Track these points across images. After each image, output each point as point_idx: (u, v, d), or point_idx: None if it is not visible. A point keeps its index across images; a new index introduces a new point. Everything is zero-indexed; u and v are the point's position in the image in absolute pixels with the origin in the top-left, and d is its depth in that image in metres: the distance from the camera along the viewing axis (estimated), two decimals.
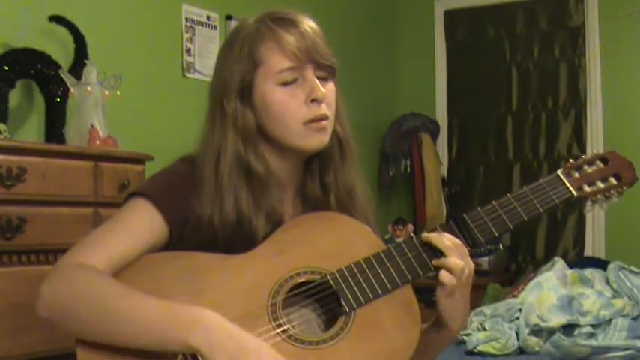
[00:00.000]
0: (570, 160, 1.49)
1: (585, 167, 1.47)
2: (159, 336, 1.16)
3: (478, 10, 5.04)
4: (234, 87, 1.35)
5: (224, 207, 1.31)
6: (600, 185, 1.47)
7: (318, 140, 1.36)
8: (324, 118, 1.35)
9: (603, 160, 1.49)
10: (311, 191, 1.42)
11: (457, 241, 1.32)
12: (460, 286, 1.31)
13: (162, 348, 1.17)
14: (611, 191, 1.47)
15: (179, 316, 1.16)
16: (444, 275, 1.30)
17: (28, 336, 2.15)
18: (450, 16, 5.12)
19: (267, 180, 1.35)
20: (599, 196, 1.46)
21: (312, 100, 1.33)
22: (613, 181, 1.48)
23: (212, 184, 1.33)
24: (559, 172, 1.46)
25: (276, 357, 1.15)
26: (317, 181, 1.42)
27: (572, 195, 1.43)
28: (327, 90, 1.36)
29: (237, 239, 1.32)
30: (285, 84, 1.34)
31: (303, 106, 1.34)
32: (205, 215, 1.31)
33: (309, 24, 1.36)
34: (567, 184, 1.44)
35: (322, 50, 1.35)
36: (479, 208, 1.39)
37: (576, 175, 1.46)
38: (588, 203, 1.47)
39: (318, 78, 1.35)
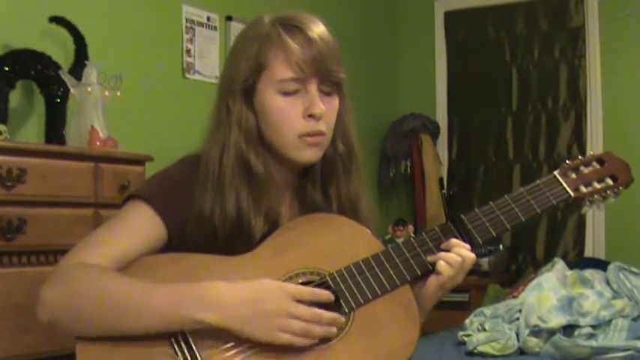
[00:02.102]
0: (567, 161, 1.50)
1: (582, 168, 1.49)
2: (168, 318, 1.18)
3: (478, 10, 5.04)
4: (238, 87, 1.35)
5: (225, 205, 1.32)
6: (597, 186, 1.48)
7: (310, 154, 1.36)
8: (320, 134, 1.35)
9: (600, 161, 1.51)
10: (311, 197, 1.42)
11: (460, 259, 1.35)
12: (453, 278, 1.34)
13: (173, 329, 1.20)
14: (608, 192, 1.48)
15: (185, 294, 1.19)
16: (441, 265, 1.33)
17: (29, 336, 2.15)
18: (450, 16, 5.12)
19: (266, 180, 1.36)
20: (596, 196, 1.48)
21: (310, 115, 1.33)
22: (609, 181, 1.49)
23: (215, 179, 1.33)
24: (556, 172, 1.47)
25: (286, 290, 1.20)
26: (319, 188, 1.42)
27: (570, 195, 1.45)
28: (328, 106, 1.36)
29: (235, 238, 1.33)
30: (286, 94, 1.33)
31: (300, 119, 1.33)
32: (207, 209, 1.32)
33: (321, 35, 1.34)
34: (564, 184, 1.45)
35: (330, 66, 1.34)
36: (476, 209, 1.40)
37: (573, 175, 1.47)
38: (586, 204, 1.48)
39: (322, 92, 1.35)
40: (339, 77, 1.36)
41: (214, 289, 1.19)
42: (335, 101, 1.38)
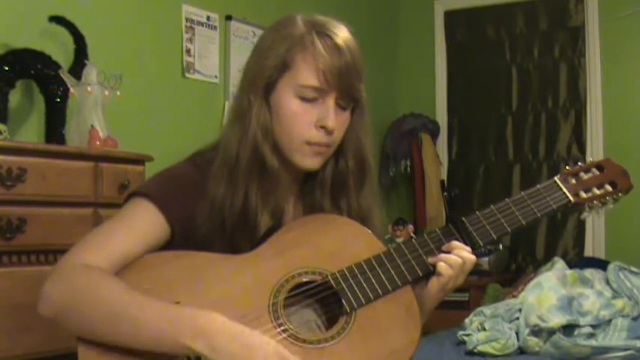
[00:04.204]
0: (567, 167, 1.52)
1: (582, 174, 1.52)
2: (161, 339, 1.17)
3: (478, 10, 5.04)
4: (262, 82, 1.35)
5: (235, 196, 1.33)
6: (596, 191, 1.50)
7: (312, 162, 1.37)
8: (327, 145, 1.36)
9: (599, 167, 1.53)
10: (320, 202, 1.43)
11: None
12: (454, 279, 1.35)
13: (164, 351, 1.18)
14: (607, 197, 1.51)
15: (181, 319, 1.17)
16: (442, 266, 1.34)
17: (28, 336, 2.15)
18: (450, 16, 5.12)
19: (277, 176, 1.36)
20: (595, 202, 1.50)
21: (322, 127, 1.34)
22: (609, 187, 1.52)
23: (230, 169, 1.34)
24: (556, 178, 1.49)
25: (280, 353, 1.16)
26: (328, 196, 1.43)
27: (569, 200, 1.47)
28: (340, 119, 1.37)
29: (240, 230, 1.33)
30: (303, 99, 1.34)
31: (311, 127, 1.34)
32: (218, 198, 1.33)
33: (351, 50, 1.35)
34: (564, 189, 1.47)
35: (353, 83, 1.35)
36: (477, 212, 1.41)
37: (573, 181, 1.50)
38: (585, 209, 1.50)
39: (338, 105, 1.36)
40: (359, 95, 1.38)
41: (213, 319, 1.16)
42: (347, 116, 1.39)
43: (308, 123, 1.34)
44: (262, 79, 1.35)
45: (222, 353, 1.14)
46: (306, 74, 1.33)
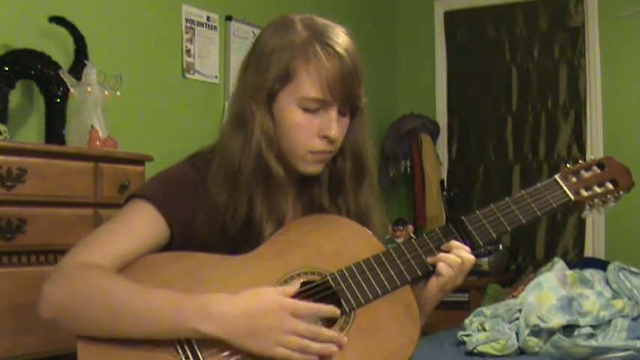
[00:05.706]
0: (567, 165, 1.50)
1: (582, 172, 1.50)
2: (169, 326, 1.18)
3: (478, 10, 5.04)
4: (264, 92, 1.34)
5: (238, 205, 1.33)
6: (597, 190, 1.49)
7: (314, 168, 1.38)
8: (329, 152, 1.37)
9: (600, 165, 1.52)
10: (318, 199, 1.43)
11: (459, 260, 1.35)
12: (453, 279, 1.34)
13: (170, 337, 1.19)
14: (608, 196, 1.49)
15: (187, 303, 1.19)
16: (440, 266, 1.34)
17: (29, 336, 2.15)
18: (450, 16, 5.12)
19: (282, 184, 1.37)
20: (596, 200, 1.48)
21: (325, 137, 1.34)
22: (610, 185, 1.50)
23: (232, 176, 1.34)
24: (557, 176, 1.48)
25: (286, 305, 1.19)
26: (326, 193, 1.43)
27: (570, 199, 1.46)
28: (341, 125, 1.37)
29: (245, 237, 1.33)
30: (306, 110, 1.34)
31: (314, 137, 1.34)
32: (221, 204, 1.33)
33: (353, 58, 1.35)
34: (565, 188, 1.46)
35: (354, 92, 1.35)
36: (477, 211, 1.40)
37: (574, 179, 1.48)
38: (586, 208, 1.48)
39: (339, 112, 1.36)
40: (361, 101, 1.38)
41: (215, 301, 1.19)
42: (347, 120, 1.39)
43: (311, 133, 1.34)
44: (264, 89, 1.34)
45: (233, 329, 1.17)
46: (309, 87, 1.32)
